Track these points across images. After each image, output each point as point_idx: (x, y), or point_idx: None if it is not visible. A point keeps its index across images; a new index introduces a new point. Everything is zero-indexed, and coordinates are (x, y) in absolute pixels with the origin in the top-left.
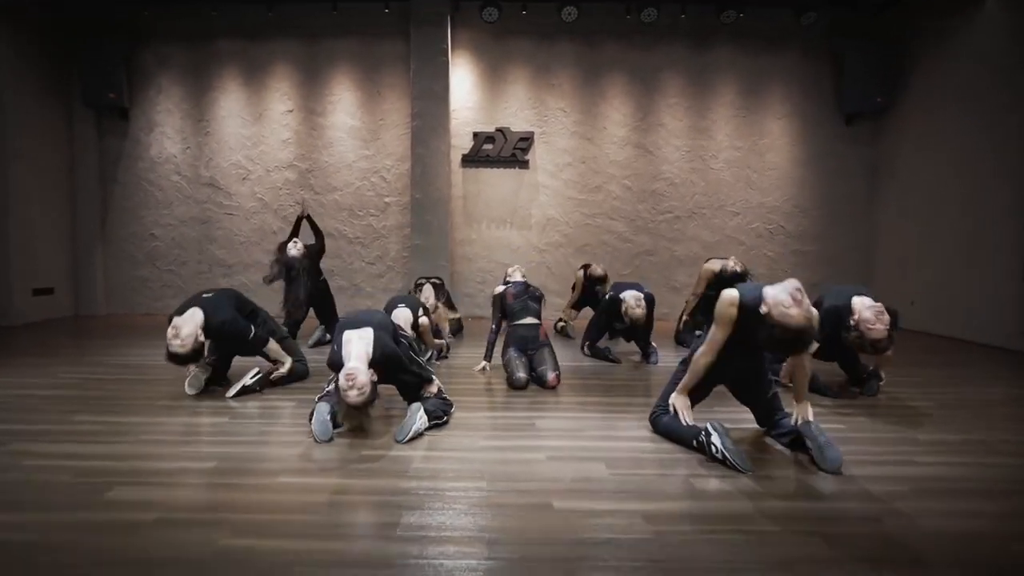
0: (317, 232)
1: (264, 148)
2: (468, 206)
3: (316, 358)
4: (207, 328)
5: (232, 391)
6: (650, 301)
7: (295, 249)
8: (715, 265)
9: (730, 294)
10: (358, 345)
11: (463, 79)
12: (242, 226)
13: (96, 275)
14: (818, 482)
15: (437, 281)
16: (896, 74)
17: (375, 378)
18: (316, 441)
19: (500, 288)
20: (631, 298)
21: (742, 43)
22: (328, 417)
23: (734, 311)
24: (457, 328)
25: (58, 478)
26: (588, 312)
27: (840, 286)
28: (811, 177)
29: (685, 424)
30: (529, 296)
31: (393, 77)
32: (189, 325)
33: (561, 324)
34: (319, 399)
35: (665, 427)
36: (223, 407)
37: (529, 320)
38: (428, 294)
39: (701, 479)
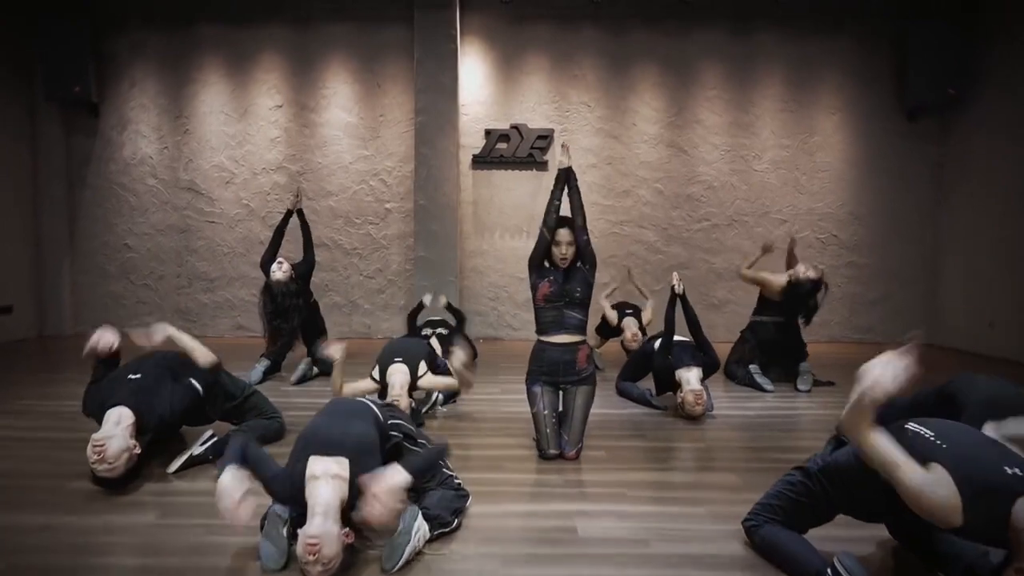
0: (307, 239)
1: (250, 148)
2: (479, 213)
3: (299, 403)
4: (142, 429)
5: (174, 465)
6: (712, 368)
7: (280, 272)
8: (780, 278)
9: (949, 505)
10: (325, 489)
11: (474, 70)
12: (226, 235)
13: (62, 290)
14: None
15: (444, 331)
16: (970, 60)
17: (350, 540)
18: (263, 570)
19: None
20: (691, 395)
21: (790, 27)
22: (283, 531)
23: (951, 521)
24: (471, 356)
25: None
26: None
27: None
28: (868, 180)
29: (801, 547)
30: (568, 301)
31: (395, 68)
32: (116, 440)
33: None
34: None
35: (769, 545)
36: (156, 493)
37: (564, 338)
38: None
39: None
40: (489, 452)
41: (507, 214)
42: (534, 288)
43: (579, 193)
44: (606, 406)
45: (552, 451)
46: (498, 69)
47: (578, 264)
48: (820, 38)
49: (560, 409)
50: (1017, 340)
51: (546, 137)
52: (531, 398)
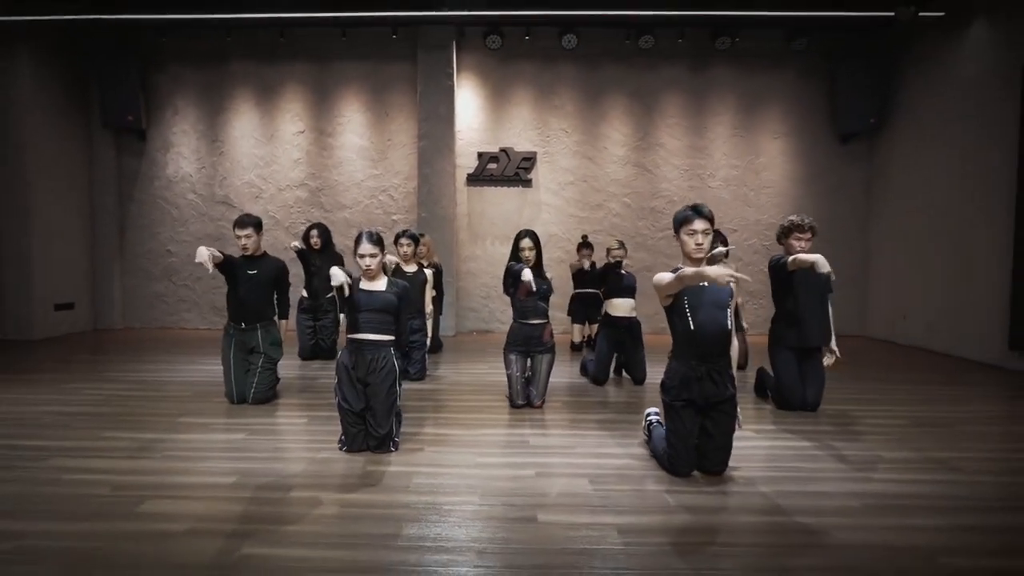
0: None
1: (276, 167)
2: (473, 223)
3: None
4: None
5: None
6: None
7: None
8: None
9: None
10: None
11: (468, 101)
12: None
13: (114, 290)
14: (781, 498)
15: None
16: (888, 95)
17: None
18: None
19: (515, 265)
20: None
21: (739, 64)
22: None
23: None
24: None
25: (96, 491)
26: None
27: None
28: (807, 195)
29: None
30: (540, 296)
31: (401, 99)
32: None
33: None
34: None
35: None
36: (237, 423)
37: (535, 320)
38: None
39: (677, 495)
40: (473, 403)
41: (497, 224)
42: (513, 290)
43: None
44: (565, 376)
45: (520, 401)
46: (489, 100)
47: (542, 269)
48: (765, 74)
49: (529, 372)
50: (926, 331)
51: (530, 159)
52: (507, 362)
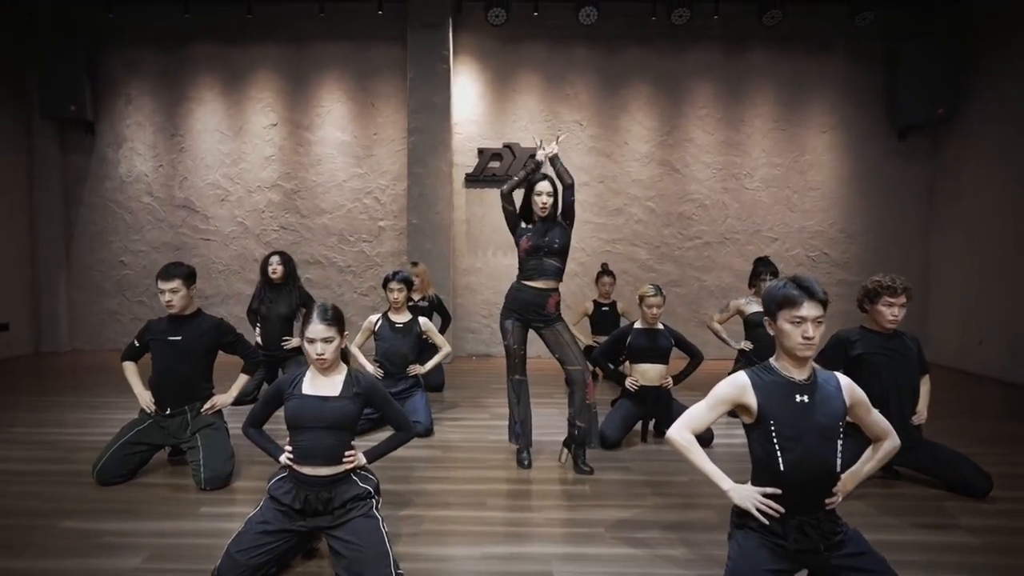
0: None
1: (245, 166)
2: (472, 231)
3: None
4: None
5: None
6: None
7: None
8: (739, 303)
9: None
10: None
11: (466, 89)
12: (221, 253)
13: (59, 307)
14: None
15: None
16: (960, 81)
17: None
18: None
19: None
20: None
21: (782, 46)
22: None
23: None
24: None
25: None
26: None
27: None
28: (859, 198)
29: None
30: (547, 251)
31: (388, 87)
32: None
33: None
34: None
35: None
36: (140, 534)
37: (540, 284)
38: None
39: None
40: (471, 486)
41: (500, 232)
42: (516, 243)
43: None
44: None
45: (518, 441)
46: (491, 88)
47: (557, 217)
48: (811, 58)
49: (524, 346)
50: (1005, 359)
51: None
52: (503, 332)
